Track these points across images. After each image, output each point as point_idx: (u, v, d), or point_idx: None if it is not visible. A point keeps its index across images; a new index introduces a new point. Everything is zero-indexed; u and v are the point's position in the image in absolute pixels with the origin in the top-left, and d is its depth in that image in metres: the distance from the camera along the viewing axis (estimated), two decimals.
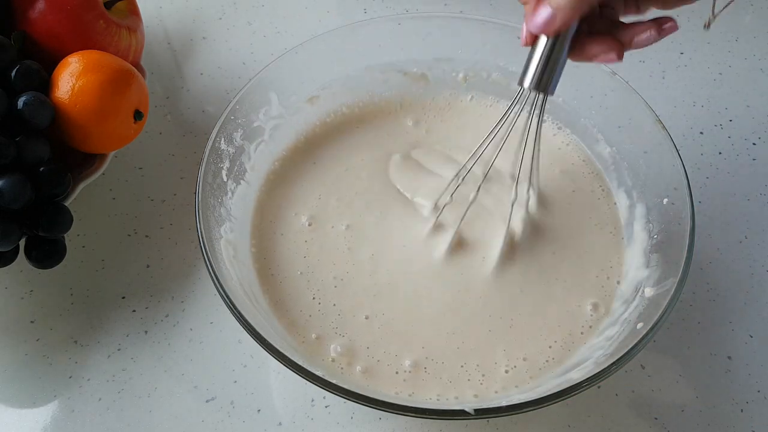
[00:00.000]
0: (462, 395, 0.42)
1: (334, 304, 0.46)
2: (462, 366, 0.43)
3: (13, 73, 0.48)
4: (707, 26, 0.42)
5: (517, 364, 0.43)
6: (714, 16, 0.41)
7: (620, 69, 0.51)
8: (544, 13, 0.39)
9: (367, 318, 0.45)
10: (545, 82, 0.42)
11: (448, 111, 0.56)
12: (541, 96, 0.43)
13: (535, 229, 0.49)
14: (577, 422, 0.45)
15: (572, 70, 0.52)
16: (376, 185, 0.52)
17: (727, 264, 0.52)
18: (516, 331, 0.45)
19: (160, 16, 0.69)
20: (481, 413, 0.37)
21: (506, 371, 0.43)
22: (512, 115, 0.45)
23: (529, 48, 0.42)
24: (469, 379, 0.43)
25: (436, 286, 0.46)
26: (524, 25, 0.41)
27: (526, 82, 0.42)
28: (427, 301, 0.46)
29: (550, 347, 0.44)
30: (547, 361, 0.43)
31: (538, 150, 0.47)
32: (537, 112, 0.45)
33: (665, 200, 0.46)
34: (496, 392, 0.42)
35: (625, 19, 0.41)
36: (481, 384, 0.42)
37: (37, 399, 0.46)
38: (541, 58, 0.41)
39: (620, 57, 0.40)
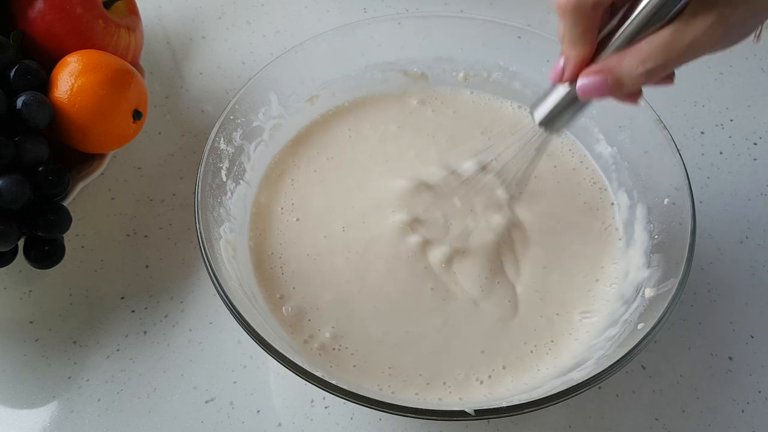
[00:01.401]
0: (445, 397, 0.42)
1: (303, 269, 0.46)
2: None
3: (12, 73, 0.48)
4: (757, 39, 0.40)
5: (491, 374, 0.43)
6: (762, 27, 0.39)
7: None
8: (602, 80, 0.35)
9: (362, 321, 0.45)
10: (557, 125, 0.40)
11: (451, 100, 0.56)
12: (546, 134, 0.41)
13: (523, 230, 0.49)
14: (578, 423, 0.45)
15: None
16: (376, 179, 0.52)
17: (728, 264, 0.52)
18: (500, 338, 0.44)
19: (159, 15, 0.69)
20: (482, 414, 0.37)
21: (480, 382, 0.43)
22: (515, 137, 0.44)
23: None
24: (428, 383, 0.43)
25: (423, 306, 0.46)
26: (561, 61, 0.37)
27: (537, 117, 0.40)
28: (417, 321, 0.45)
29: (531, 351, 0.44)
30: (538, 369, 0.43)
31: (533, 166, 0.46)
32: (538, 143, 0.43)
33: (666, 200, 0.46)
34: (484, 396, 0.42)
35: None
36: (450, 393, 0.42)
37: (36, 399, 0.46)
38: (562, 101, 0.39)
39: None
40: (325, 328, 0.44)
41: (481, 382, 0.42)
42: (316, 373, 0.37)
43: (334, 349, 0.43)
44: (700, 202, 0.55)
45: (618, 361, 0.38)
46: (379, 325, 0.44)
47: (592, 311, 0.45)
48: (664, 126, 0.47)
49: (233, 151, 0.49)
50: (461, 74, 0.56)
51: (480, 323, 0.45)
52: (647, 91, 0.50)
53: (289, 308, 0.45)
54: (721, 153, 0.59)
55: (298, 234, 0.49)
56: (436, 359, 0.43)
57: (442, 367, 0.43)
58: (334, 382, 0.37)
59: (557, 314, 0.45)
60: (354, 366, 0.43)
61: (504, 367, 0.43)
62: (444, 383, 0.42)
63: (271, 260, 0.47)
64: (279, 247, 0.48)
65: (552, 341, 0.44)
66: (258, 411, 0.45)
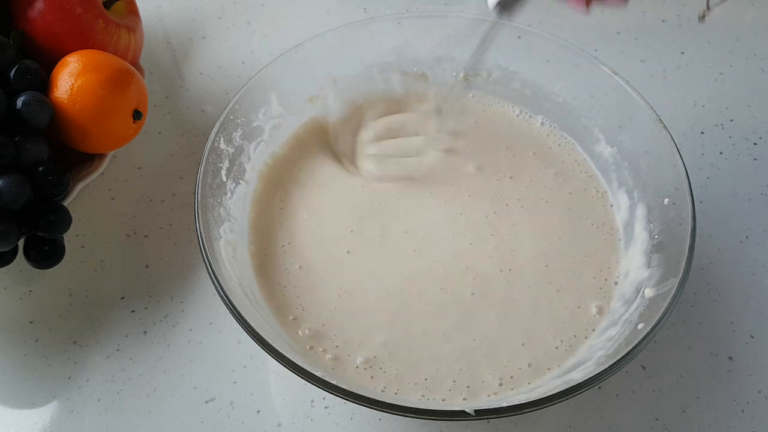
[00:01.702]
0: (450, 398, 0.42)
1: (335, 307, 0.46)
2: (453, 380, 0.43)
3: (12, 73, 0.48)
4: (702, 18, 0.41)
5: (514, 374, 0.43)
6: (709, 8, 0.40)
7: (621, 69, 0.51)
8: None
9: (350, 315, 0.45)
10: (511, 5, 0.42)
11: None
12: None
13: (525, 232, 0.49)
14: (578, 423, 0.45)
15: (572, 70, 0.52)
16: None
17: (728, 264, 0.52)
18: (510, 338, 0.44)
19: (159, 15, 0.69)
20: (482, 414, 0.37)
21: (500, 383, 0.43)
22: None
23: None
24: (450, 390, 0.42)
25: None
26: None
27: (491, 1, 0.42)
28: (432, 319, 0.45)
29: (556, 347, 0.44)
30: (549, 368, 0.43)
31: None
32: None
33: (666, 200, 0.46)
34: (488, 396, 0.42)
35: None
36: (465, 395, 0.42)
37: (36, 400, 0.46)
38: None
39: None
40: (356, 355, 0.43)
41: (501, 384, 0.42)
42: (316, 373, 0.37)
43: (357, 367, 0.43)
44: (700, 202, 0.55)
45: (618, 361, 0.38)
46: (426, 347, 0.44)
47: (604, 308, 0.46)
48: (664, 126, 0.47)
49: (233, 151, 0.49)
50: (461, 74, 0.56)
51: (518, 314, 0.45)
52: (648, 90, 0.51)
53: (306, 330, 0.44)
54: (721, 153, 0.59)
55: (305, 262, 0.48)
56: (481, 362, 0.43)
57: (480, 369, 0.43)
58: (334, 382, 0.37)
59: (578, 307, 0.45)
60: (372, 377, 0.43)
61: (529, 365, 0.43)
62: (467, 387, 0.42)
63: (285, 292, 0.46)
64: (289, 277, 0.47)
65: (574, 336, 0.44)
66: (258, 411, 0.45)
